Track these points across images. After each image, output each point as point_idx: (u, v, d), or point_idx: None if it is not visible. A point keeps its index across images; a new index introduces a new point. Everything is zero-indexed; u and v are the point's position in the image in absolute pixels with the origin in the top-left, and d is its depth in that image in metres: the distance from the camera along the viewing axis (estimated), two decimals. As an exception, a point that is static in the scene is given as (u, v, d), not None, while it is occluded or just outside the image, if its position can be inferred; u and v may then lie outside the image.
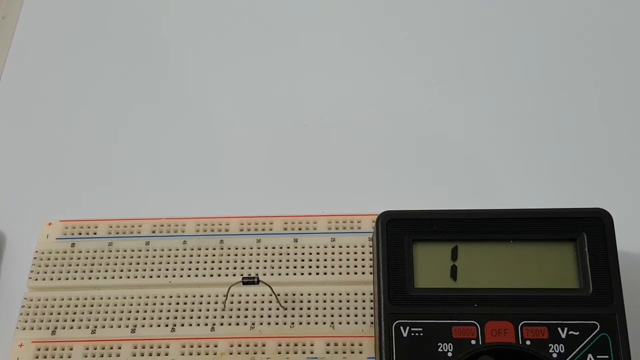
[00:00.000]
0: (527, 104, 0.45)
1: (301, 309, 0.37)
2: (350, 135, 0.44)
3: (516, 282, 0.33)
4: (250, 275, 0.38)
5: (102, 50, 0.48)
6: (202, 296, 0.38)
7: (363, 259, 0.38)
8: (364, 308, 0.37)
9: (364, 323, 0.37)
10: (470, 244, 0.34)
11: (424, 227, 0.34)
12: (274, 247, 0.39)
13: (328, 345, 0.36)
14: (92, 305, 0.38)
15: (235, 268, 0.38)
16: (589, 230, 0.33)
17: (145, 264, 0.39)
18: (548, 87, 0.45)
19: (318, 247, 0.39)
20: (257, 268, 0.38)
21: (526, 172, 0.42)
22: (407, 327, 0.32)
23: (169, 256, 0.39)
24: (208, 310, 0.37)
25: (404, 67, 0.47)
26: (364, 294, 0.37)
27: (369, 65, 0.47)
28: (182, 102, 0.46)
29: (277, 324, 0.37)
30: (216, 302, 0.37)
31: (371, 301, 0.37)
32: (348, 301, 0.37)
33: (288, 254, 0.39)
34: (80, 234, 0.40)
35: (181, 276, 0.38)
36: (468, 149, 0.43)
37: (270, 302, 0.37)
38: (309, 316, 0.37)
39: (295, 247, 0.39)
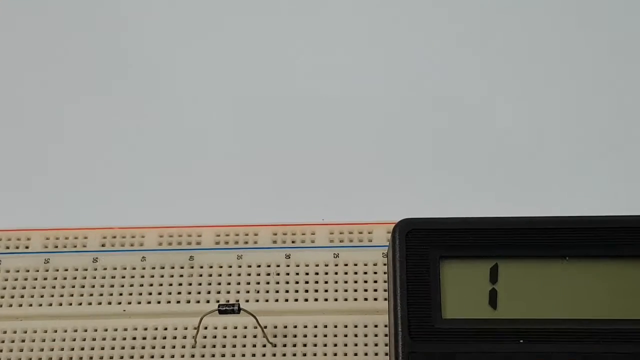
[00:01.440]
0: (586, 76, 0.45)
1: (295, 345, 0.36)
2: (356, 124, 0.44)
3: (576, 312, 0.31)
4: (228, 302, 0.36)
5: (51, 37, 0.48)
6: (166, 329, 0.36)
7: (375, 281, 0.37)
8: (376, 345, 0.35)
9: (376, 363, 0.36)
10: (515, 262, 0.31)
11: (454, 240, 0.32)
12: (259, 266, 0.37)
13: (331, 393, 0.36)
14: (23, 341, 0.36)
15: (209, 292, 0.37)
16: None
17: (93, 287, 0.37)
18: (609, 70, 0.45)
19: (317, 265, 0.37)
20: (238, 292, 0.37)
21: (587, 167, 0.42)
22: (434, 371, 0.31)
23: (124, 277, 0.37)
24: (174, 347, 0.35)
25: (420, 41, 0.47)
26: (376, 326, 0.36)
27: (377, 41, 0.47)
28: (142, 79, 0.46)
29: (263, 365, 0.36)
30: (184, 337, 0.36)
31: (386, 335, 0.35)
32: (356, 335, 0.35)
33: (278, 274, 0.37)
34: (8, 247, 0.38)
35: (139, 303, 0.37)
36: (508, 138, 0.43)
37: (255, 336, 0.36)
38: (304, 355, 0.35)
39: (288, 266, 0.37)
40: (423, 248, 0.32)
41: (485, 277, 0.31)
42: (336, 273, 0.37)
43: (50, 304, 0.36)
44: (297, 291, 0.37)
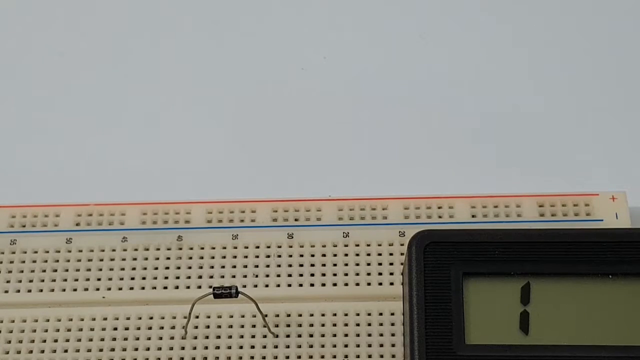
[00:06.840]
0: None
1: (300, 336, 0.35)
2: (367, 82, 0.44)
3: (620, 339, 0.31)
4: (223, 286, 0.35)
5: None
6: (151, 318, 0.36)
7: (391, 263, 0.37)
8: (393, 335, 0.35)
9: (393, 357, 0.35)
10: (550, 280, 0.32)
11: (479, 254, 0.32)
12: (258, 247, 0.37)
13: (341, 390, 0.35)
14: (-14, 333, 0.36)
15: (200, 277, 0.37)
16: None
17: (66, 271, 0.37)
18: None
19: (324, 245, 0.37)
20: (234, 277, 0.37)
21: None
22: (456, 404, 0.30)
23: (102, 260, 0.37)
24: (161, 338, 0.35)
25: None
26: (392, 314, 0.36)
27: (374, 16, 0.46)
28: (128, 40, 0.46)
29: (264, 358, 0.35)
30: (173, 327, 0.36)
31: (403, 324, 0.34)
32: (369, 324, 0.35)
33: (279, 256, 0.37)
34: (-33, 227, 0.39)
35: (120, 289, 0.37)
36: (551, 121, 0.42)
37: (255, 326, 0.36)
38: (311, 346, 0.35)
39: (291, 246, 0.37)
40: (443, 263, 0.32)
41: (516, 297, 0.31)
42: (346, 254, 0.37)
43: (18, 291, 0.36)
44: (301, 275, 0.37)
